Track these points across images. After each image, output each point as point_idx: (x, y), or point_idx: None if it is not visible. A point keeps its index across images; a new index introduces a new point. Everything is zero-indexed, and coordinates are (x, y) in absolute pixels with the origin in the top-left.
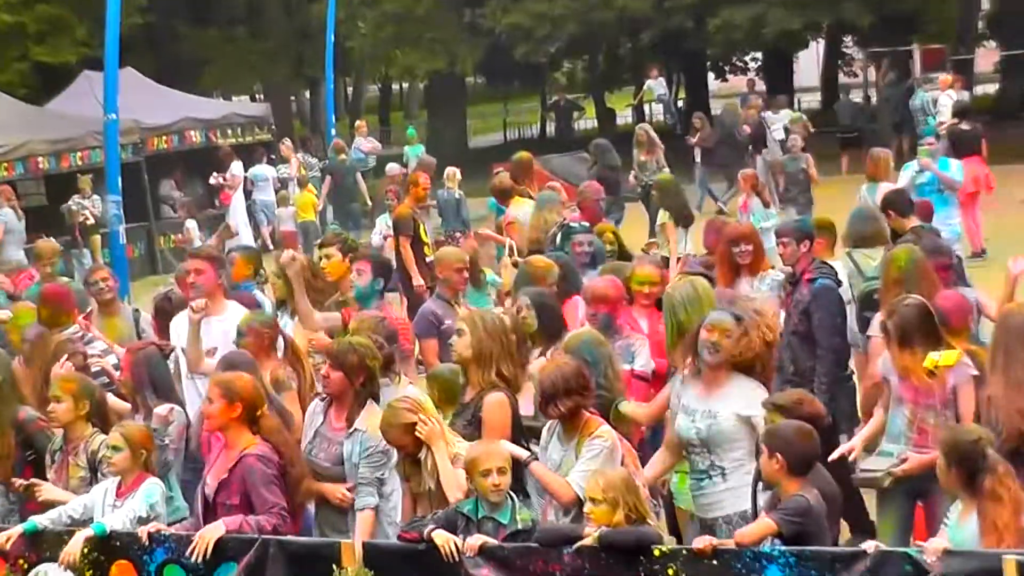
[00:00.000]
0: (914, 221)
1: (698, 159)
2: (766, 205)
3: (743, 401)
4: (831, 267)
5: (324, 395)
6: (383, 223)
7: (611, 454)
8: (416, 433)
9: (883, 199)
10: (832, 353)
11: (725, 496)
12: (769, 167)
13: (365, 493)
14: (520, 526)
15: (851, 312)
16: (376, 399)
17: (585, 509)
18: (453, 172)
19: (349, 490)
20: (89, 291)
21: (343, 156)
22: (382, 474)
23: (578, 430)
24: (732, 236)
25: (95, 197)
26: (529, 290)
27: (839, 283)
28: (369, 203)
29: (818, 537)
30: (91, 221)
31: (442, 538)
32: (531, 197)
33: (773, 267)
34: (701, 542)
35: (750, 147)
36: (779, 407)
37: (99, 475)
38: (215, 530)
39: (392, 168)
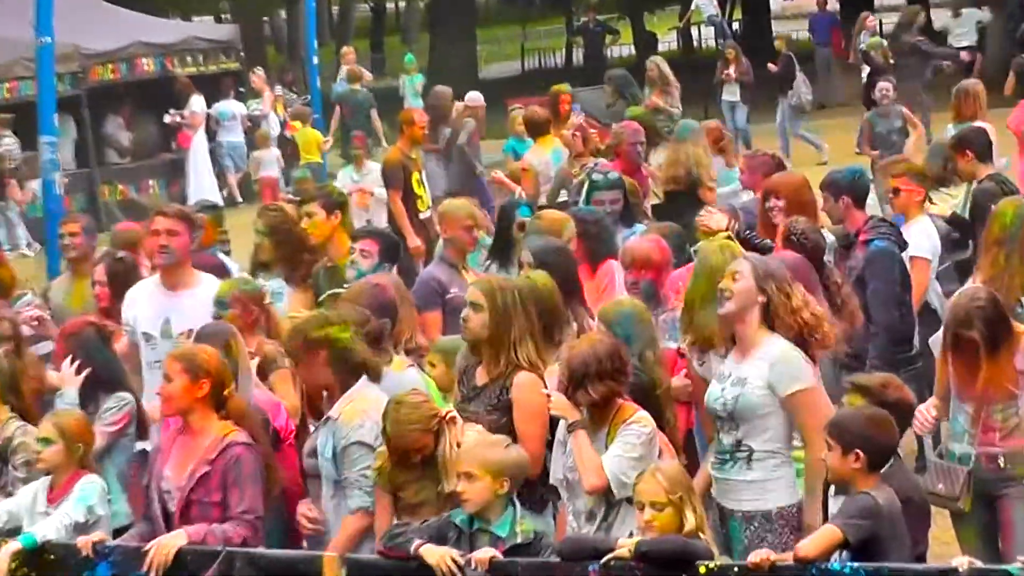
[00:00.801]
0: (991, 168)
1: (733, 96)
2: (728, 166)
3: (777, 369)
4: (892, 225)
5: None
6: (348, 175)
7: (650, 444)
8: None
9: (957, 136)
10: (886, 331)
11: (746, 490)
12: (791, 115)
13: (355, 496)
14: (520, 539)
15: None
16: (372, 376)
17: (644, 517)
18: (462, 108)
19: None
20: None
21: (357, 85)
22: (366, 470)
23: (608, 420)
24: (766, 188)
25: (7, 139)
26: (535, 245)
27: (903, 244)
28: (384, 143)
29: (893, 543)
30: (10, 165)
31: (435, 554)
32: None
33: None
34: (757, 556)
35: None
36: (862, 389)
37: (9, 467)
38: (175, 539)
39: (472, 97)
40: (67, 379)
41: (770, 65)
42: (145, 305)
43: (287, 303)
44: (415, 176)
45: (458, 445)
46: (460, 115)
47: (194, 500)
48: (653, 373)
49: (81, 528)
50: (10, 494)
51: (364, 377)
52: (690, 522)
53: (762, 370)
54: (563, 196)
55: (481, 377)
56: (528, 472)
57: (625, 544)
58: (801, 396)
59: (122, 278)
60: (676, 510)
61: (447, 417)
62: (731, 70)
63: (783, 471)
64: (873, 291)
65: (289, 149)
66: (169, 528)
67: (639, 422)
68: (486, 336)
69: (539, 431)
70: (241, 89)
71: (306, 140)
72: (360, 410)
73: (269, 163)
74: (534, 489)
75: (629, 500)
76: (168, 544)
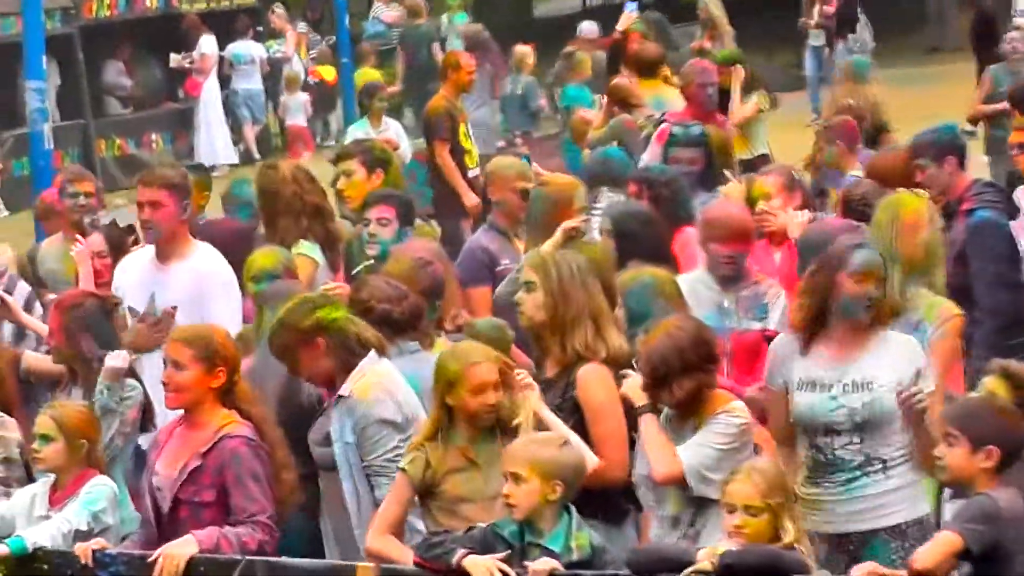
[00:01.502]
0: None
1: (818, 41)
2: None
3: (905, 361)
4: (1000, 191)
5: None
6: (362, 131)
7: (741, 437)
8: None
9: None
10: (993, 316)
11: (891, 500)
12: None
13: (384, 486)
14: (576, 556)
15: None
16: (379, 350)
17: (733, 522)
18: (526, 52)
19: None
20: (62, 206)
21: (419, 20)
22: (395, 453)
23: (697, 413)
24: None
25: None
26: (614, 210)
27: (1013, 212)
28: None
29: (1018, 552)
30: None
31: (481, 566)
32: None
33: None
34: (861, 571)
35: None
36: (1012, 377)
37: None
38: (185, 547)
39: (588, 29)
40: (107, 372)
41: (825, 7)
42: (134, 277)
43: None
44: (462, 128)
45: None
46: (522, 60)
47: (183, 499)
48: None
49: (83, 537)
50: None
51: (371, 352)
52: (789, 533)
53: (896, 367)
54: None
55: (550, 368)
56: (584, 477)
57: (707, 555)
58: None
59: (119, 246)
60: (772, 517)
61: (523, 382)
62: (815, 12)
63: (917, 473)
64: (977, 270)
65: (314, 97)
66: (161, 531)
67: (731, 412)
68: (543, 319)
69: (615, 431)
70: (259, 28)
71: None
72: (375, 383)
73: (297, 109)
74: (610, 497)
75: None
76: (178, 553)
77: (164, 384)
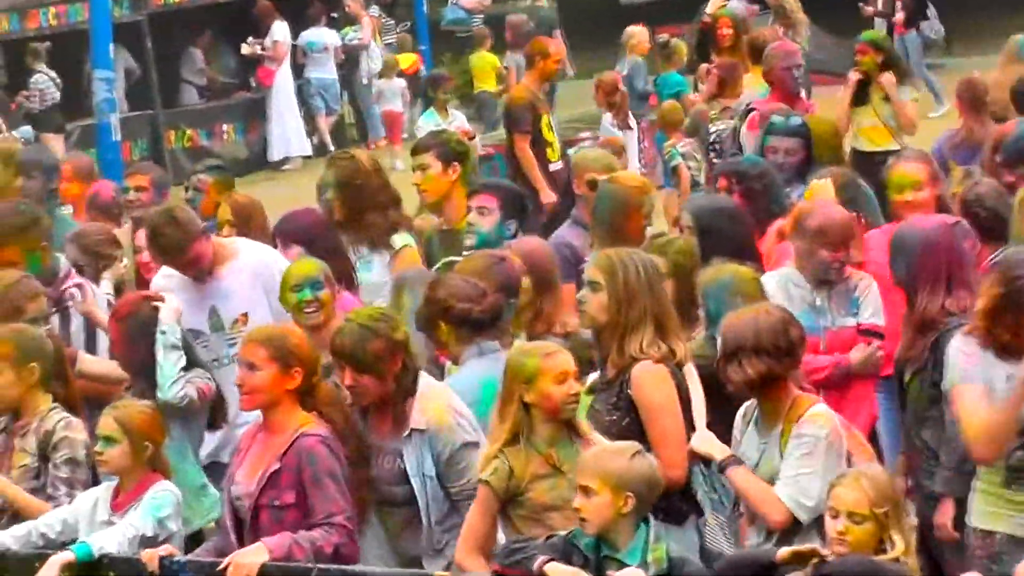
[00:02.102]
0: None
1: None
2: (622, 127)
3: None
4: None
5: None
6: (431, 123)
7: (828, 449)
8: None
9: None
10: None
11: None
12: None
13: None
14: (654, 569)
15: None
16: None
17: (836, 527)
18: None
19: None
20: (118, 202)
21: (542, 2)
22: (472, 476)
23: (782, 414)
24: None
25: (39, 75)
26: (696, 204)
27: None
28: (571, 71)
29: None
30: (36, 108)
31: (564, 574)
32: None
33: None
34: None
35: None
36: None
37: (49, 466)
38: (255, 555)
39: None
40: (166, 313)
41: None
42: (183, 296)
43: (377, 271)
44: (545, 119)
45: None
46: (630, 42)
47: (263, 504)
48: None
49: (148, 544)
50: (51, 497)
51: (422, 374)
52: (897, 547)
53: None
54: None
55: (610, 369)
56: (661, 489)
57: (788, 555)
58: None
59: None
60: (878, 527)
61: None
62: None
63: None
64: None
65: None
66: (242, 538)
67: (814, 421)
68: (604, 321)
69: (672, 431)
70: (333, 15)
71: (482, 65)
72: (444, 407)
73: (394, 95)
74: (668, 497)
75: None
76: (248, 563)
77: (239, 386)
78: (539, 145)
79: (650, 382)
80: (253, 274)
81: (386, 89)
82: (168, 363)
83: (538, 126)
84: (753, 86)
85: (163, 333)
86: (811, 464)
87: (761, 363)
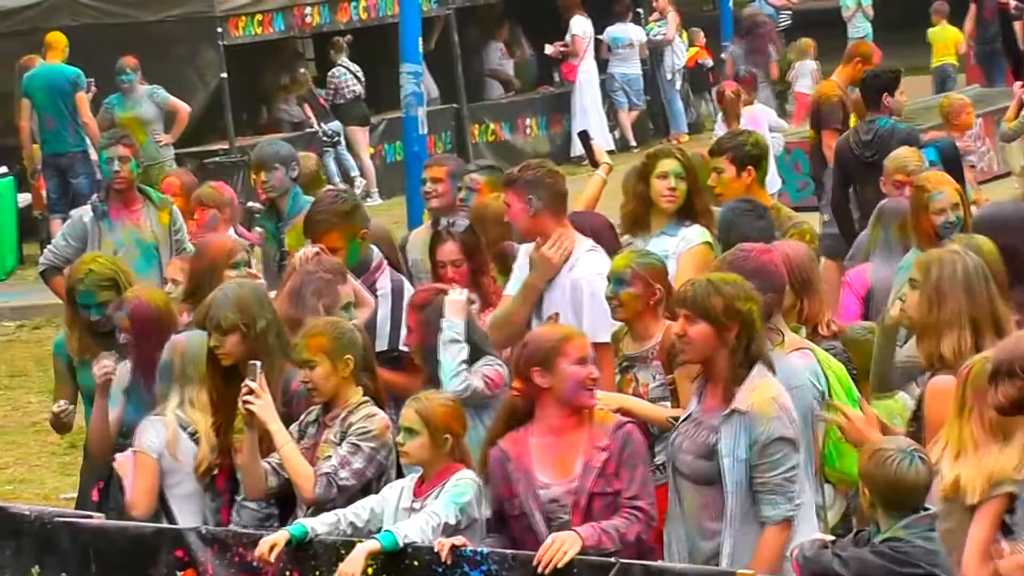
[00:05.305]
0: None
1: None
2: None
3: None
4: None
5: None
6: None
7: None
8: None
9: None
10: None
11: None
12: None
13: (779, 504)
14: None
15: None
16: (768, 364)
17: None
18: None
19: None
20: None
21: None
22: (793, 473)
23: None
24: None
25: (338, 68)
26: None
27: None
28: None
29: None
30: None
31: None
32: None
33: None
34: None
35: None
36: None
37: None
38: (572, 541)
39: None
40: (450, 307)
41: None
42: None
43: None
44: (853, 117)
45: None
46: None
47: (596, 493)
48: None
49: (450, 532)
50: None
51: (759, 364)
52: None
53: None
54: None
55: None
56: None
57: None
58: None
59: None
60: None
61: None
62: None
63: None
64: None
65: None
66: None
67: None
68: (916, 320)
69: None
70: (639, 9)
71: (944, 38)
72: (771, 399)
73: (804, 75)
74: None
75: None
76: (567, 545)
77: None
78: None
79: (942, 401)
80: (573, 283)
81: (801, 69)
82: (447, 357)
83: (847, 124)
84: None
85: (445, 327)
86: None
87: (1013, 388)
